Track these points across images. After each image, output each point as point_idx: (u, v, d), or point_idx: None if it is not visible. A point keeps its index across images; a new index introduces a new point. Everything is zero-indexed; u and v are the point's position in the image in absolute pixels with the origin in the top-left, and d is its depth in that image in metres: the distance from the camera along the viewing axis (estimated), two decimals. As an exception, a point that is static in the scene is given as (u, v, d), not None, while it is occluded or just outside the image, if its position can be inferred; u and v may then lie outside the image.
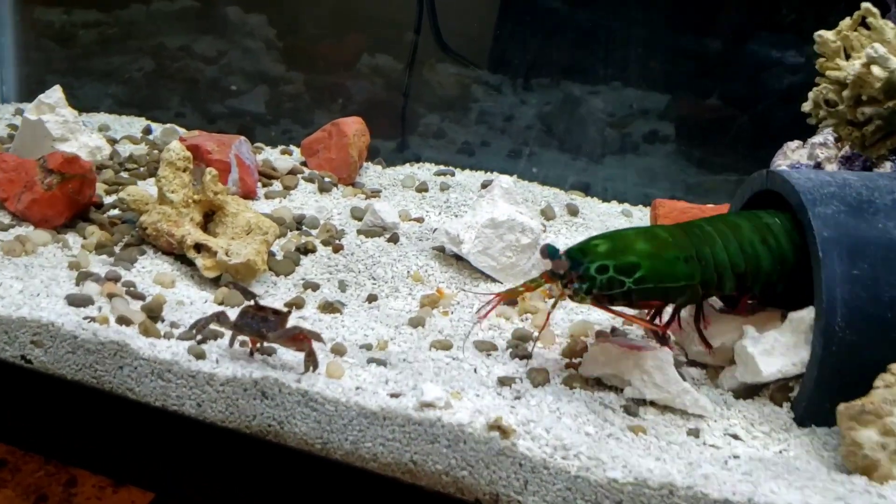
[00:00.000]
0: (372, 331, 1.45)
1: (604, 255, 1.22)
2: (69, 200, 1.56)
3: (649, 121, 2.24)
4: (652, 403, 1.27)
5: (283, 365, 1.27)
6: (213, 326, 1.30)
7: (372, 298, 1.57)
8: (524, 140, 2.29)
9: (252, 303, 1.30)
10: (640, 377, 1.26)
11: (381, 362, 1.33)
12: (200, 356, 1.27)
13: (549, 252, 1.21)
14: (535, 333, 1.42)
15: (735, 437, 1.23)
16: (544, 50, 2.30)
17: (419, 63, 2.35)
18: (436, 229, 1.78)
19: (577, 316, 1.50)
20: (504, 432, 1.14)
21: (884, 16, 1.54)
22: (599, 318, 1.48)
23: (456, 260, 1.68)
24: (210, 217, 1.60)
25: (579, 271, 1.21)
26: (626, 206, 2.03)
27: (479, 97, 2.35)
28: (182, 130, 2.11)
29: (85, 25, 2.45)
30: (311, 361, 1.25)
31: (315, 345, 1.25)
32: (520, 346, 1.40)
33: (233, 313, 1.30)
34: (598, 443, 1.17)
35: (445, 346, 1.39)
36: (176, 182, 1.55)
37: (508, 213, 1.64)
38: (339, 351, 1.36)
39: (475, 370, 1.33)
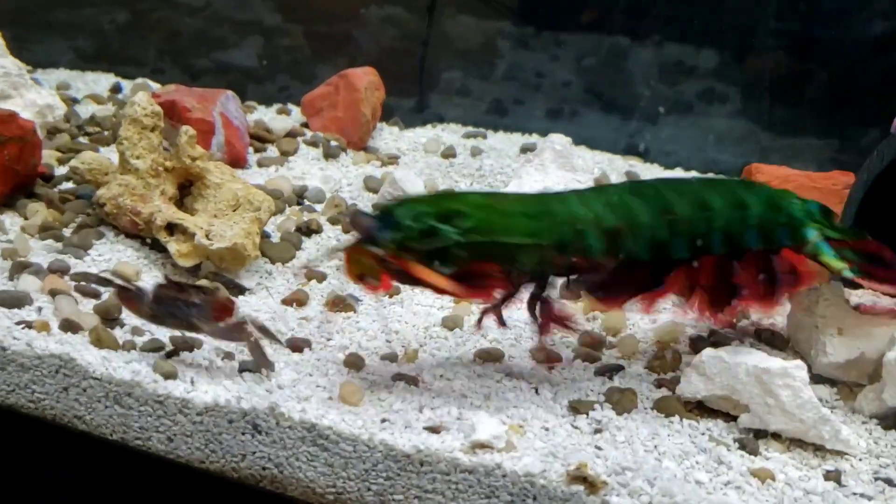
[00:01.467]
0: (395, 335, 1.13)
1: (424, 202, 0.93)
2: (5, 170, 1.23)
3: (707, 75, 1.91)
4: (774, 435, 0.95)
5: (294, 395, 0.94)
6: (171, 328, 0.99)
7: (393, 291, 1.24)
8: (563, 97, 1.97)
9: (165, 280, 0.99)
10: (762, 400, 0.94)
11: (411, 380, 1.01)
12: (171, 375, 0.95)
13: (356, 216, 0.91)
14: (610, 338, 1.10)
15: (889, 482, 0.91)
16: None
17: (440, 8, 2.03)
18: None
19: (661, 315, 1.17)
20: (591, 485, 0.82)
21: None
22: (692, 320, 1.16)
23: (496, 241, 1.36)
24: (186, 189, 1.25)
25: (390, 221, 0.90)
26: (694, 173, 1.70)
27: (509, 48, 2.03)
28: (156, 86, 1.77)
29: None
30: (260, 359, 0.96)
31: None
32: (591, 356, 1.07)
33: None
34: (714, 495, 0.85)
35: (495, 356, 1.06)
36: (142, 145, 1.22)
37: (564, 181, 1.31)
38: (354, 364, 1.03)
39: (536, 390, 1.00)
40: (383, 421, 0.90)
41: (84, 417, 0.97)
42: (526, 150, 1.71)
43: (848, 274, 1.02)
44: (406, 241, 0.89)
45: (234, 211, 1.22)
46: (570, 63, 1.99)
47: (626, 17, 1.95)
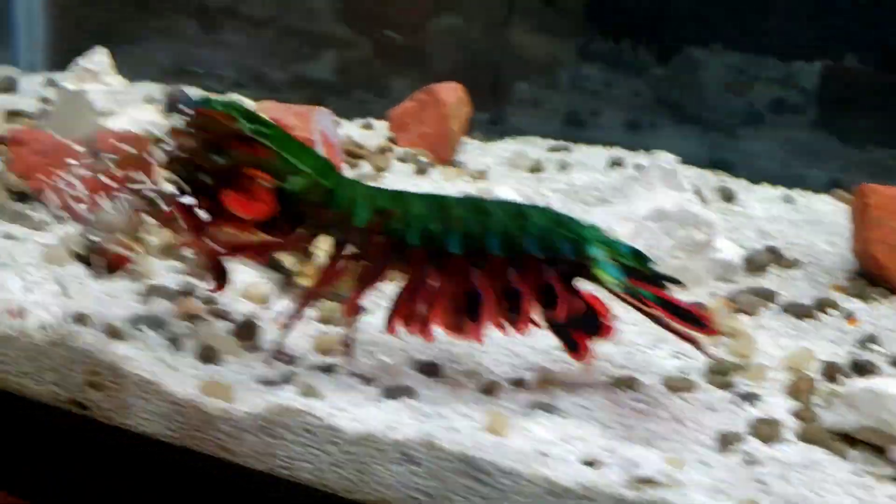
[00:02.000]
0: (518, 358, 1.12)
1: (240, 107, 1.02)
2: (123, 190, 1.23)
3: (788, 86, 1.90)
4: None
5: (440, 414, 0.94)
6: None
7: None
8: (640, 108, 1.96)
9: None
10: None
11: (549, 408, 1.00)
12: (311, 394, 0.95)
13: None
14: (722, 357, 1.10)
15: None
16: (655, 2, 1.97)
17: (513, 20, 2.02)
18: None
19: (790, 339, 1.16)
20: (762, 522, 0.81)
21: None
22: (822, 345, 1.15)
23: (604, 260, 1.35)
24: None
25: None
26: (783, 190, 1.68)
27: (582, 59, 2.01)
28: (248, 101, 1.77)
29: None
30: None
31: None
32: (723, 382, 1.07)
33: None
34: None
35: (628, 383, 1.06)
36: (260, 166, 1.21)
37: (678, 202, 1.30)
38: (491, 391, 1.03)
39: (676, 419, 1.00)
40: (542, 455, 0.90)
41: (232, 448, 0.97)
42: (614, 164, 1.70)
43: (615, 287, 1.01)
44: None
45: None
46: (645, 73, 1.97)
47: (703, 25, 1.92)
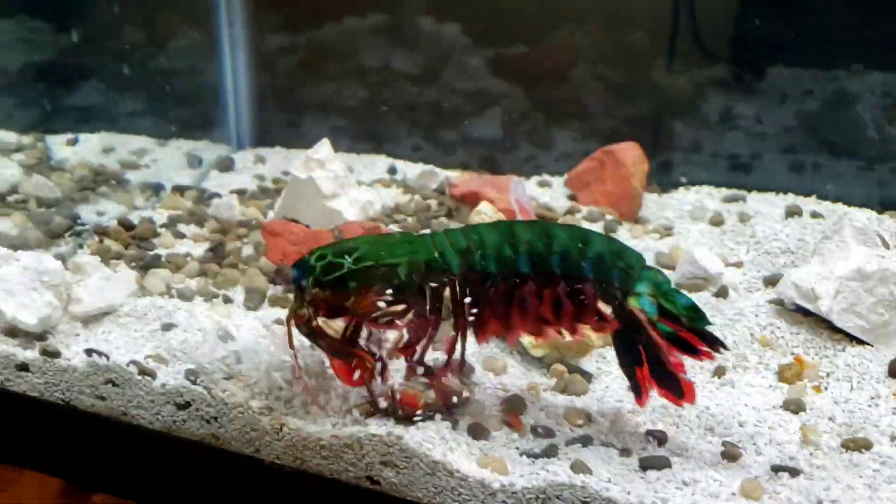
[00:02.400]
0: (740, 417, 1.22)
1: (323, 248, 1.16)
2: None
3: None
4: None
5: (704, 490, 1.04)
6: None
7: (720, 372, 1.33)
8: (800, 148, 2.00)
9: None
10: None
11: (794, 471, 1.10)
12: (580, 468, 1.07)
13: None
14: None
15: None
16: (802, 34, 2.00)
17: (667, 69, 2.09)
18: (766, 277, 1.53)
19: None
20: None
21: None
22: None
23: (804, 316, 1.43)
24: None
25: (304, 268, 1.14)
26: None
27: (733, 100, 2.07)
28: (438, 170, 1.91)
29: (303, 55, 2.27)
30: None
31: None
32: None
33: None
34: None
35: (864, 444, 1.14)
36: (491, 249, 1.34)
37: (875, 261, 1.37)
38: (733, 455, 1.13)
39: (915, 480, 1.08)
40: (804, 520, 1.00)
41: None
42: (791, 213, 1.76)
43: (644, 315, 1.13)
44: (317, 281, 1.12)
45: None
46: (797, 110, 2.01)
47: (850, 54, 1.93)
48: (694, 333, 1.14)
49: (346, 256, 1.12)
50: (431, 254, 1.15)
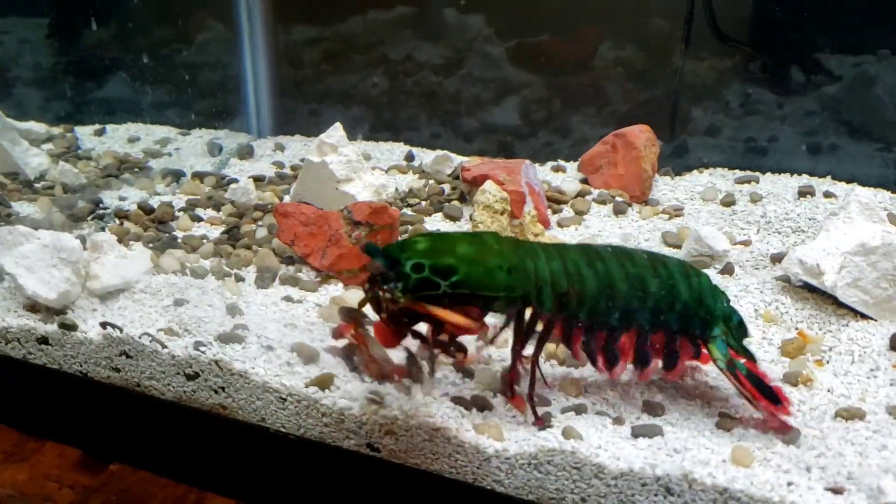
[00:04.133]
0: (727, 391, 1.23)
1: (421, 253, 1.09)
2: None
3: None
4: None
5: (694, 457, 1.06)
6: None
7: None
8: (817, 131, 1.99)
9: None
10: None
11: (789, 440, 1.10)
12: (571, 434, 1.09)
13: (369, 250, 1.09)
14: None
15: None
16: (820, 19, 1.99)
17: (684, 53, 2.09)
18: (773, 254, 1.54)
19: None
20: None
21: None
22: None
23: (810, 292, 1.43)
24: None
25: (397, 269, 1.08)
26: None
27: (752, 85, 2.07)
28: (453, 156, 1.94)
29: (324, 47, 2.32)
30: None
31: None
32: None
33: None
34: None
35: (857, 414, 1.15)
36: (494, 227, 1.37)
37: (880, 235, 1.37)
38: (726, 426, 1.14)
39: (909, 447, 1.08)
40: (790, 485, 1.00)
41: (503, 481, 1.12)
42: (803, 193, 1.76)
43: (720, 364, 1.16)
44: (406, 289, 1.07)
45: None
46: (816, 94, 2.00)
47: (869, 36, 1.92)
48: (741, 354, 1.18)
49: (444, 278, 1.07)
50: (529, 289, 1.11)
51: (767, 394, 1.14)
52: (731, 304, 1.21)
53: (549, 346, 1.29)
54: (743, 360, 1.17)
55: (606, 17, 2.15)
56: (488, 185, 1.38)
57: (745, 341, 1.20)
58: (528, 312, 1.14)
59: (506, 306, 1.12)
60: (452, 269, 1.08)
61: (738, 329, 1.19)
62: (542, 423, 1.14)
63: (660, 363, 1.20)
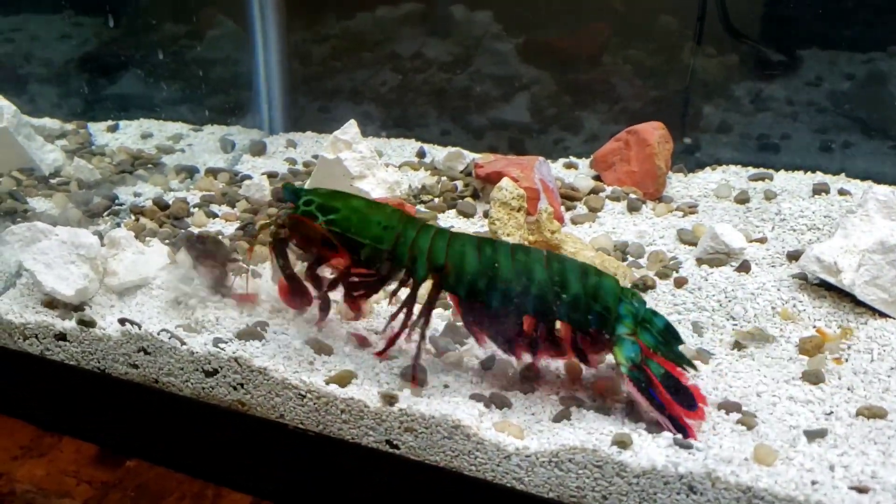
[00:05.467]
0: (758, 388, 1.23)
1: (319, 195, 1.26)
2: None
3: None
4: None
5: (717, 456, 1.06)
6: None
7: (739, 345, 1.34)
8: (830, 128, 1.99)
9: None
10: None
11: (809, 437, 1.10)
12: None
13: (284, 188, 1.29)
14: None
15: None
16: (832, 16, 1.99)
17: (696, 50, 2.09)
18: (789, 252, 1.53)
19: None
20: None
21: None
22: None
23: (827, 290, 1.43)
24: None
25: (295, 202, 1.26)
26: None
27: (763, 81, 2.06)
28: (465, 152, 1.94)
29: (333, 44, 2.32)
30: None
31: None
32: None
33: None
34: None
35: (879, 413, 1.15)
36: (511, 224, 1.37)
37: (890, 229, 1.37)
38: (748, 423, 1.14)
39: (929, 445, 1.08)
40: (814, 483, 1.00)
41: (523, 479, 1.12)
42: (818, 191, 1.76)
43: (623, 370, 1.14)
44: (295, 212, 1.24)
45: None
46: (828, 90, 2.00)
47: (883, 33, 1.91)
48: (669, 359, 1.17)
49: (324, 214, 1.22)
50: (402, 251, 1.19)
51: (682, 397, 1.13)
52: (652, 308, 1.20)
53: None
54: (659, 362, 1.16)
55: (617, 13, 2.15)
56: (505, 181, 1.38)
57: (682, 348, 1.19)
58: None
59: (373, 257, 1.21)
60: (334, 209, 1.23)
61: (663, 333, 1.18)
62: (417, 384, 1.20)
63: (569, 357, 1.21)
